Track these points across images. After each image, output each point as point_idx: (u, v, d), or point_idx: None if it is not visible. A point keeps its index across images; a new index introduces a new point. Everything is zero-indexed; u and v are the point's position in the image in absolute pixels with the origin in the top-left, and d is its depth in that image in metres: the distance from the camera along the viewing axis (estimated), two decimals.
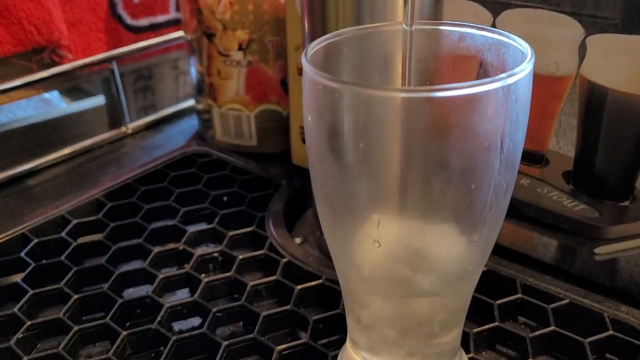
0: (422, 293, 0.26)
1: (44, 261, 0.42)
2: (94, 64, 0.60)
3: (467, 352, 0.34)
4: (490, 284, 0.38)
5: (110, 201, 0.49)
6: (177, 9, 0.66)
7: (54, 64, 0.57)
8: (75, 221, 0.46)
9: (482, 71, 0.27)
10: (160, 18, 0.65)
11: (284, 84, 0.55)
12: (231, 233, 0.45)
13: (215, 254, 0.43)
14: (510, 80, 0.21)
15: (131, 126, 0.64)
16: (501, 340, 0.36)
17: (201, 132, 0.61)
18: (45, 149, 0.58)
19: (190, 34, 0.56)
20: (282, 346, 0.35)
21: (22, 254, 0.43)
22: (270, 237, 0.44)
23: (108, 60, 0.61)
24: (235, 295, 0.40)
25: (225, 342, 0.35)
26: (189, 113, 0.67)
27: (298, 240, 0.45)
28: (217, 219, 0.46)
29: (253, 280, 0.40)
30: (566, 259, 0.40)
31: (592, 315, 0.36)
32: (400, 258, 0.25)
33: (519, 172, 0.39)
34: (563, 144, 0.37)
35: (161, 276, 0.40)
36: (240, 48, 0.53)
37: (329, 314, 0.37)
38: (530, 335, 0.35)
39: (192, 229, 0.45)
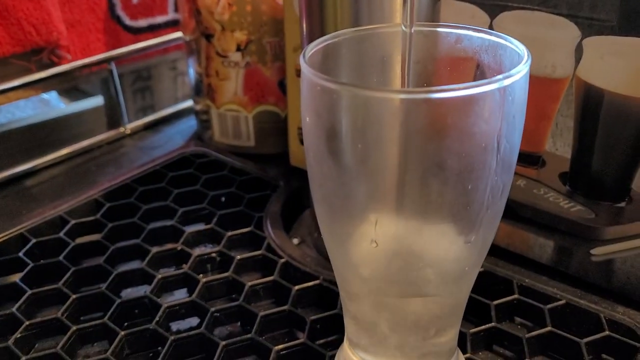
0: (419, 293, 0.26)
1: (42, 261, 0.43)
2: (92, 64, 0.60)
3: (464, 352, 0.34)
4: (487, 284, 0.38)
5: (109, 201, 0.49)
6: (176, 9, 0.66)
7: (53, 64, 0.57)
8: (73, 221, 0.46)
9: (479, 73, 0.27)
10: (159, 19, 0.65)
11: (282, 85, 0.55)
12: (229, 233, 0.45)
13: (213, 254, 0.43)
14: (506, 82, 0.21)
15: (130, 127, 0.64)
16: (498, 340, 0.36)
17: (199, 133, 0.62)
18: (43, 149, 0.58)
19: (188, 34, 0.56)
20: (280, 346, 0.35)
21: (21, 254, 0.43)
22: (268, 237, 0.44)
23: (107, 60, 0.61)
24: (233, 296, 0.40)
25: (223, 342, 0.35)
26: (188, 114, 0.67)
27: (296, 240, 0.46)
28: (215, 220, 0.47)
29: (251, 281, 0.40)
30: (563, 259, 0.40)
31: (589, 315, 0.36)
32: (398, 258, 0.25)
33: (516, 173, 0.39)
34: (559, 146, 0.38)
35: (159, 276, 0.40)
36: (238, 49, 0.53)
37: (326, 314, 0.37)
38: (527, 335, 0.35)
39: (190, 229, 0.46)
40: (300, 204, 0.50)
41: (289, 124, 0.52)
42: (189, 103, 0.68)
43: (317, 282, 0.39)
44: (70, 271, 0.41)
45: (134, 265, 0.43)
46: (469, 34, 0.26)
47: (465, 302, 0.28)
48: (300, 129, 0.51)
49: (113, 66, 0.62)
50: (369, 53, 0.28)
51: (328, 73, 0.22)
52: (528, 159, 0.39)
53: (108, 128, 0.64)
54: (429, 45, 0.28)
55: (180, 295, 0.41)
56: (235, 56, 0.53)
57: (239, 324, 0.38)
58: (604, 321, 0.35)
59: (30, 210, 0.49)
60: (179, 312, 0.38)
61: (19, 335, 0.36)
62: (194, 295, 0.39)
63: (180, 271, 0.41)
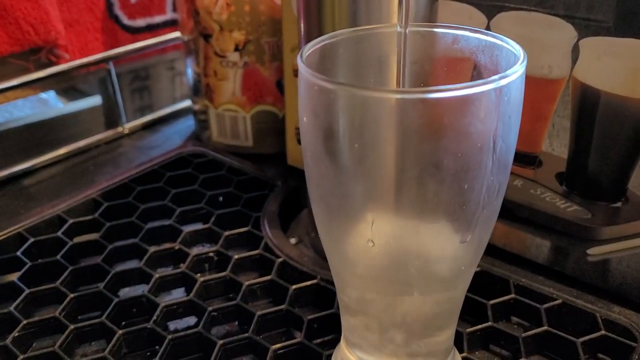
0: (415, 292, 0.26)
1: (40, 260, 0.43)
2: (90, 64, 0.60)
3: (461, 351, 0.35)
4: (483, 284, 0.38)
5: (107, 201, 0.49)
6: (174, 9, 0.66)
7: (51, 64, 0.57)
8: (71, 221, 0.46)
9: (476, 73, 0.27)
10: (157, 18, 0.65)
11: (280, 85, 0.55)
12: (227, 233, 0.45)
13: (211, 254, 0.43)
14: (502, 82, 0.21)
15: (128, 126, 0.64)
16: (494, 340, 0.36)
17: (197, 133, 0.62)
18: (41, 148, 0.58)
19: (187, 34, 0.56)
20: (277, 345, 0.35)
21: (19, 253, 0.43)
22: (265, 237, 0.44)
23: (105, 60, 0.61)
24: (231, 295, 0.40)
25: (221, 341, 0.35)
26: (186, 113, 0.67)
27: (293, 240, 0.46)
28: (212, 219, 0.47)
29: (248, 280, 0.40)
30: (559, 259, 0.40)
31: (585, 315, 0.36)
32: (394, 257, 0.25)
33: (513, 173, 0.39)
34: (556, 146, 0.38)
35: (157, 276, 0.40)
36: (236, 49, 0.53)
37: (323, 313, 0.37)
38: (523, 335, 0.35)
39: (187, 228, 0.46)
40: (297, 204, 0.50)
41: (286, 123, 0.52)
42: (187, 103, 0.68)
43: (314, 281, 0.39)
44: (68, 270, 0.41)
45: (132, 264, 0.43)
46: (465, 34, 0.26)
47: (461, 301, 0.28)
48: (297, 128, 0.51)
49: (111, 66, 0.62)
50: (367, 53, 0.28)
51: (325, 73, 0.22)
52: (525, 159, 0.39)
53: (106, 128, 0.64)
54: (426, 45, 0.28)
55: (177, 295, 0.41)
56: (234, 56, 0.53)
57: (236, 323, 0.38)
58: (599, 321, 0.35)
59: (28, 209, 0.49)
60: (176, 311, 0.38)
61: (16, 334, 0.36)
62: (191, 295, 0.39)
63: (178, 270, 0.41)
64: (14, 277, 0.41)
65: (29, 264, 0.42)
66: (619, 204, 0.37)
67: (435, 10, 0.38)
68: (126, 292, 0.41)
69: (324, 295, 0.39)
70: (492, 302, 0.37)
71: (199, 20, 0.53)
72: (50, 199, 0.50)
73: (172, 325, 0.38)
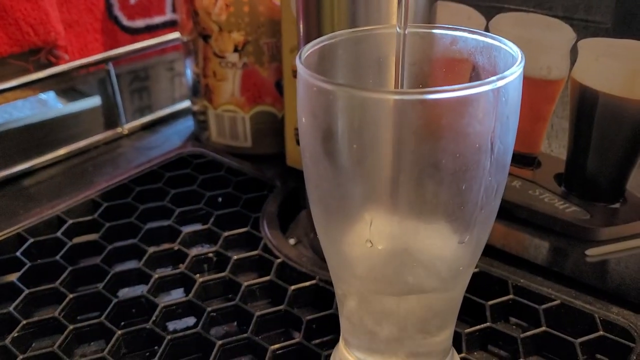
0: (414, 292, 0.26)
1: (39, 261, 0.43)
2: (90, 64, 0.60)
3: (459, 352, 0.35)
4: (482, 284, 0.38)
5: (106, 201, 0.49)
6: (174, 10, 0.66)
7: (51, 64, 0.57)
8: (70, 221, 0.47)
9: (475, 74, 0.27)
10: (157, 19, 0.66)
11: (279, 86, 0.55)
12: (226, 234, 0.45)
13: (210, 255, 0.43)
14: (500, 83, 0.21)
15: (127, 127, 0.64)
16: (493, 340, 0.36)
17: (197, 133, 0.62)
18: (41, 149, 0.58)
19: (186, 35, 0.56)
20: (276, 346, 0.35)
21: (18, 254, 0.43)
22: (264, 237, 0.44)
23: (104, 61, 0.61)
24: (230, 295, 0.40)
25: (220, 342, 0.35)
26: (185, 114, 0.67)
27: (292, 241, 0.46)
28: (212, 220, 0.47)
29: (247, 281, 0.40)
30: (557, 260, 0.40)
31: (583, 316, 0.36)
32: (392, 257, 0.25)
33: (511, 174, 0.39)
34: (555, 147, 0.38)
35: (156, 276, 0.40)
36: (235, 50, 0.53)
37: (322, 314, 0.37)
38: (522, 335, 0.35)
39: (187, 229, 0.46)
40: (296, 205, 0.50)
41: (285, 124, 0.52)
42: (186, 104, 0.68)
43: (313, 282, 0.39)
44: (68, 271, 0.41)
45: (131, 265, 0.43)
46: (464, 35, 0.27)
47: (460, 301, 0.29)
48: (296, 129, 0.51)
49: (111, 66, 0.62)
50: (366, 54, 0.28)
51: (324, 74, 0.23)
52: (523, 160, 0.39)
53: (105, 128, 0.64)
54: (425, 46, 0.28)
55: (176, 295, 0.41)
56: (233, 57, 0.53)
57: (235, 323, 0.38)
58: (598, 321, 0.35)
59: (28, 210, 0.49)
60: (175, 311, 0.38)
61: (16, 335, 0.36)
62: (190, 295, 0.39)
63: (177, 271, 0.41)
64: (13, 277, 0.41)
65: (29, 264, 0.42)
66: (617, 205, 0.37)
67: (434, 11, 0.38)
68: (125, 293, 0.41)
69: (323, 296, 0.39)
70: (490, 302, 0.37)
71: (198, 21, 0.53)
72: (50, 199, 0.50)
73: (171, 325, 0.38)
